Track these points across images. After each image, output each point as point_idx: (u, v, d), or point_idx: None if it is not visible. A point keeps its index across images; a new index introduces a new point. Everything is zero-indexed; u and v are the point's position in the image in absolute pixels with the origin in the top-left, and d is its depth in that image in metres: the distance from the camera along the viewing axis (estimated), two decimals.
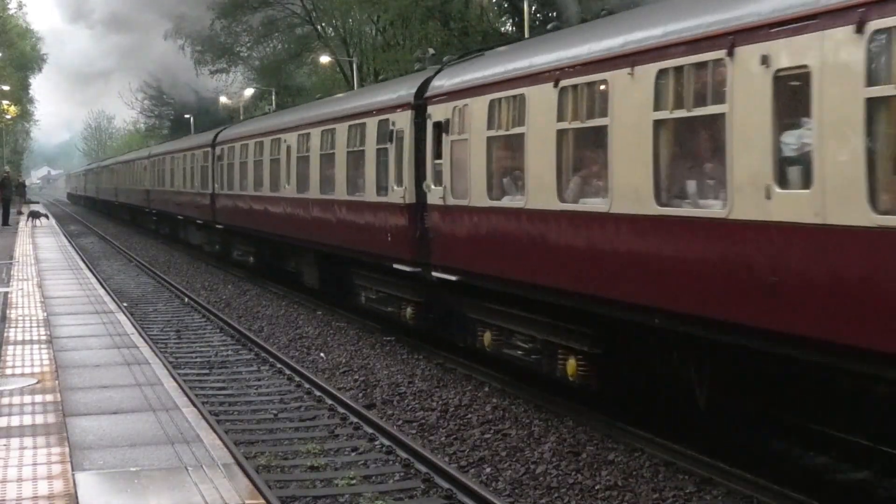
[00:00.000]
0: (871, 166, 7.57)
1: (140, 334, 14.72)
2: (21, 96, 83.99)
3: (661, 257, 10.06)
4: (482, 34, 37.68)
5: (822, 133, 7.97)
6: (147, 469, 7.39)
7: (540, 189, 12.19)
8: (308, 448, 11.47)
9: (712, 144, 9.46)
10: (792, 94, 8.40)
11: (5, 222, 43.66)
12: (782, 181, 8.44)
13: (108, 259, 37.50)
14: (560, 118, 11.73)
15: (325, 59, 51.26)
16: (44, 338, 13.33)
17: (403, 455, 11.06)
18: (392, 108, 17.26)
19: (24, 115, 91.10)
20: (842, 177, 7.79)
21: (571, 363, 12.15)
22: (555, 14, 34.88)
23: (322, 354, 17.56)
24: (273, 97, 56.93)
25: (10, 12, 77.74)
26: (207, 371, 16.25)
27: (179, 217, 40.41)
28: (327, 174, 20.75)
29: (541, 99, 12.18)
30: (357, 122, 19.15)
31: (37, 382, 10.41)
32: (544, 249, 12.21)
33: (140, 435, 8.39)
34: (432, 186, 15.26)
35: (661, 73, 9.93)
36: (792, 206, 8.27)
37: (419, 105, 16.12)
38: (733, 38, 8.94)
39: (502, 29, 40.31)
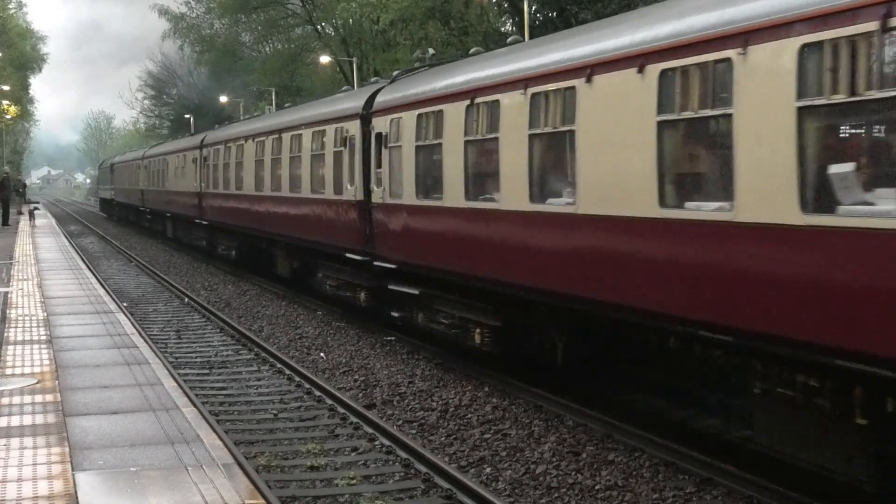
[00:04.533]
0: None
1: (140, 334, 14.72)
2: (21, 96, 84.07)
3: None
4: (482, 34, 37.67)
5: None
6: (147, 469, 7.39)
7: None
8: (308, 448, 11.46)
9: None
10: None
11: (5, 222, 43.67)
12: None
13: (108, 259, 37.50)
14: None
15: (325, 59, 51.29)
16: (44, 338, 13.33)
17: (403, 455, 11.06)
18: None
19: (25, 115, 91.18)
20: None
21: None
22: (555, 14, 34.88)
23: (322, 354, 17.56)
24: (273, 97, 56.94)
25: (11, 12, 77.83)
26: (207, 371, 16.24)
27: (259, 235, 26.99)
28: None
29: None
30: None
31: (37, 382, 10.41)
32: None
33: (140, 435, 8.40)
34: None
35: None
36: None
37: None
38: None
39: (502, 29, 40.30)
